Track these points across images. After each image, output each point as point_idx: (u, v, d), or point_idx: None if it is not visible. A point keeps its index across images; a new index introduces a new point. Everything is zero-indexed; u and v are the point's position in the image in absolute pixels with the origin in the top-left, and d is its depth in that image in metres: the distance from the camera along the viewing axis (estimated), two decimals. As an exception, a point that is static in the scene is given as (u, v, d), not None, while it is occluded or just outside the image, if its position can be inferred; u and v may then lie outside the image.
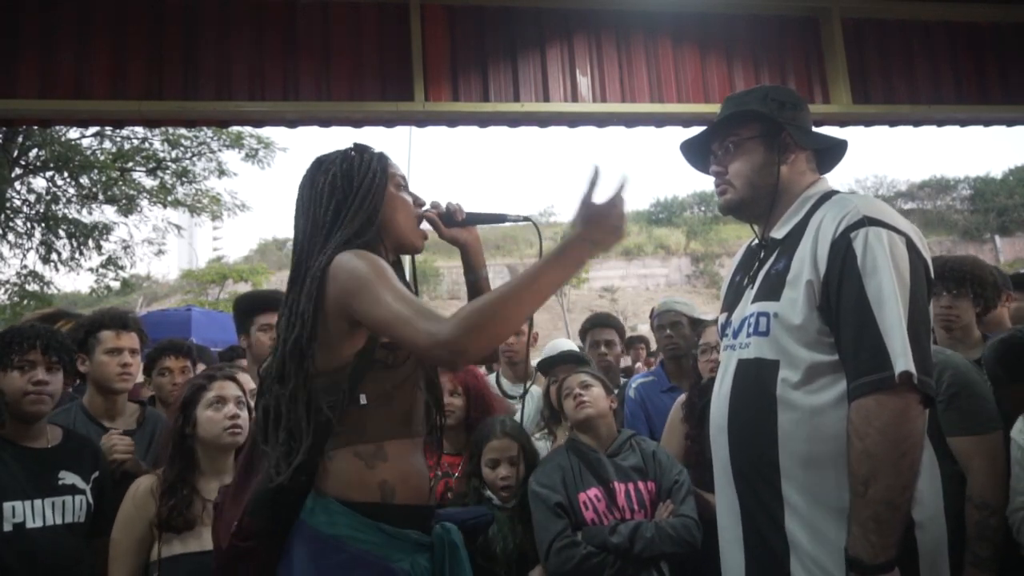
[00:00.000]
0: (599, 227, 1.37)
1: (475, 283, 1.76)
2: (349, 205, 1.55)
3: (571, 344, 3.27)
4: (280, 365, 1.48)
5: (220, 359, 3.98)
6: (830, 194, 1.63)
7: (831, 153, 1.77)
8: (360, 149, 1.64)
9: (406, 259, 1.75)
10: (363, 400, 1.46)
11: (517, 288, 1.32)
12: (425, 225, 1.69)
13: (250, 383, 2.39)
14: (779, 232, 1.65)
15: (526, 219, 1.76)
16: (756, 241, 1.76)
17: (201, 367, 2.98)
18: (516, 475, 2.40)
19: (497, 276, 1.86)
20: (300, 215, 1.60)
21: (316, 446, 1.47)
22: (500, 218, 1.78)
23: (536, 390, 3.09)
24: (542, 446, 2.74)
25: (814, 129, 1.76)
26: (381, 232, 1.58)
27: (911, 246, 1.48)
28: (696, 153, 1.82)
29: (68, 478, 2.07)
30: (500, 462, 2.39)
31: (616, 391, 2.83)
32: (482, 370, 3.01)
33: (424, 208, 1.69)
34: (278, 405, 1.47)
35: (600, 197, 1.37)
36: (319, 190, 1.57)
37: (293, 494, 1.47)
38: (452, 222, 1.70)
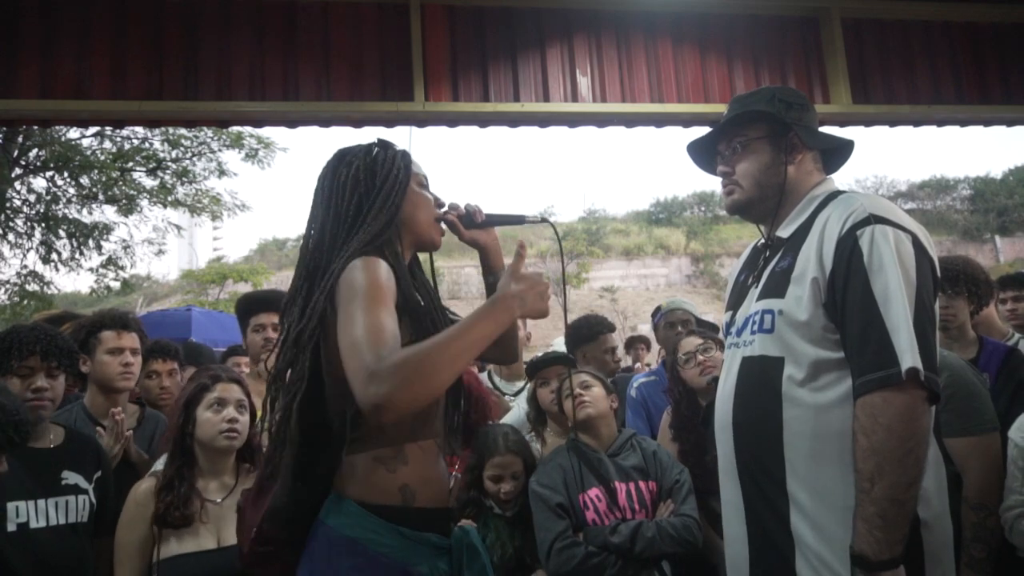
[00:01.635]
0: (530, 288, 1.40)
1: (494, 285, 1.75)
2: (372, 200, 1.53)
3: (560, 346, 3.24)
4: (283, 360, 1.45)
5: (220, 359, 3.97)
6: (836, 193, 1.63)
7: (838, 153, 1.77)
8: (384, 145, 1.63)
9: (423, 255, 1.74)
10: None
11: (447, 341, 1.27)
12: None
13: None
14: (785, 231, 1.65)
15: (543, 220, 1.77)
16: (762, 241, 1.76)
17: (191, 370, 2.96)
18: (517, 487, 2.39)
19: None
20: (319, 206, 1.57)
21: (332, 452, 1.46)
22: (519, 219, 1.78)
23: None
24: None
25: (820, 129, 1.76)
26: (401, 229, 1.58)
27: (917, 244, 1.48)
28: (703, 154, 1.82)
29: (71, 478, 2.07)
30: (503, 478, 2.38)
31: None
32: (472, 368, 3.00)
33: (443, 210, 1.68)
34: (288, 407, 1.43)
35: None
36: (341, 183, 1.55)
37: (310, 500, 1.46)
38: (472, 224, 1.70)
